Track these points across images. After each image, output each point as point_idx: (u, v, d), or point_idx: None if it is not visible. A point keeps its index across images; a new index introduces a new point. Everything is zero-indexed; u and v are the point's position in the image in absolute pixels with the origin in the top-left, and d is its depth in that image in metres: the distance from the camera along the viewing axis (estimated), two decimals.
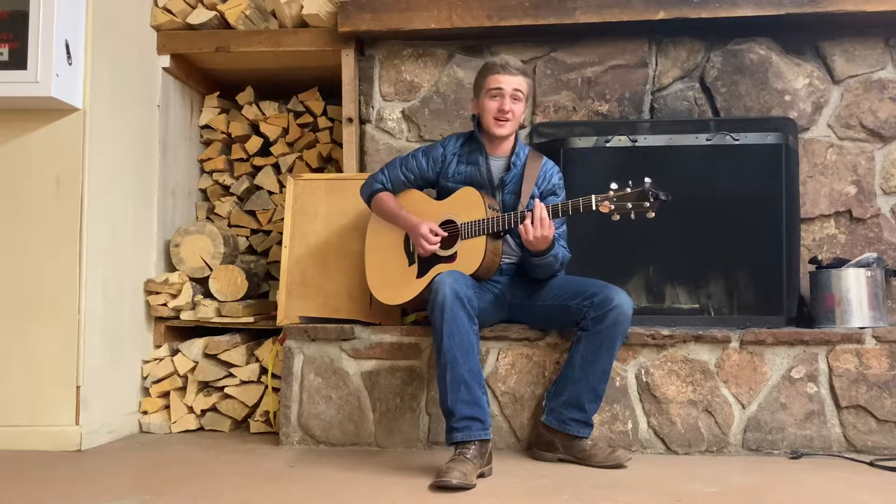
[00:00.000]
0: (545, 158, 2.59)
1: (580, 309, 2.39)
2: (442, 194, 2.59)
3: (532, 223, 2.29)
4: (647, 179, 2.22)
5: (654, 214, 2.22)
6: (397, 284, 2.58)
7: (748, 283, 2.81)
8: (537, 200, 2.35)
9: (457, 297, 2.24)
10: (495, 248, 2.44)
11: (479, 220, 2.42)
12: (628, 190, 2.24)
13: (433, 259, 2.49)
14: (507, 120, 2.46)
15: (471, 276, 2.38)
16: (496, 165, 2.55)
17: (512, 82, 2.44)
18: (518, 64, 2.48)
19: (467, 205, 2.47)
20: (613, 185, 2.25)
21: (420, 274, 2.52)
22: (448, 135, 2.70)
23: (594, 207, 2.26)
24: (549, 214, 2.31)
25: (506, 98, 2.44)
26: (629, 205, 2.23)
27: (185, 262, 3.15)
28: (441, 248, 2.48)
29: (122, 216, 2.94)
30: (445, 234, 2.46)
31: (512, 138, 2.56)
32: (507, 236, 2.52)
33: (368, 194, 2.67)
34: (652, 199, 2.20)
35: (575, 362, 2.39)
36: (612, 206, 2.24)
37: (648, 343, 2.56)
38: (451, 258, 2.46)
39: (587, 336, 2.37)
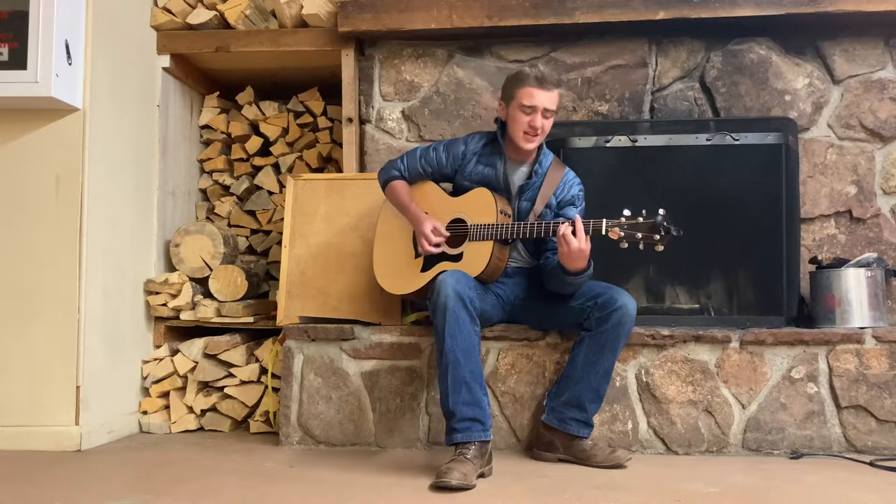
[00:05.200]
0: (568, 169, 2.56)
1: (584, 310, 2.38)
2: (458, 191, 2.58)
3: (565, 239, 2.21)
4: (661, 211, 2.19)
5: (663, 248, 2.18)
6: (402, 275, 2.58)
7: (748, 283, 2.81)
8: (578, 216, 2.27)
9: (459, 298, 2.23)
10: (501, 254, 2.42)
11: (488, 225, 2.40)
12: (640, 220, 2.20)
13: (439, 255, 2.48)
14: (537, 136, 2.42)
15: (474, 278, 2.37)
16: (518, 171, 2.52)
17: (545, 99, 2.38)
18: (552, 77, 2.44)
19: (479, 206, 2.45)
20: (626, 212, 2.22)
21: (425, 268, 2.52)
22: (474, 131, 2.67)
23: (603, 232, 2.22)
24: (551, 232, 2.28)
25: (538, 115, 2.38)
26: (639, 234, 2.19)
27: (185, 262, 3.15)
28: (449, 245, 2.47)
29: (122, 216, 2.94)
30: (448, 234, 2.45)
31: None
32: (517, 242, 2.50)
33: (384, 180, 2.64)
34: (663, 233, 2.17)
35: (577, 362, 2.39)
36: (622, 234, 2.20)
37: (648, 343, 2.56)
38: (458, 258, 2.45)
39: (590, 336, 2.37)
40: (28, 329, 2.64)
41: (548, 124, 2.43)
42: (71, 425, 2.62)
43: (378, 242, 2.70)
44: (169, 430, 3.00)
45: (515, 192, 2.50)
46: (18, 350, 2.64)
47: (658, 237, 2.18)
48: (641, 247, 2.20)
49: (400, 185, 2.60)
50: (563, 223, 2.25)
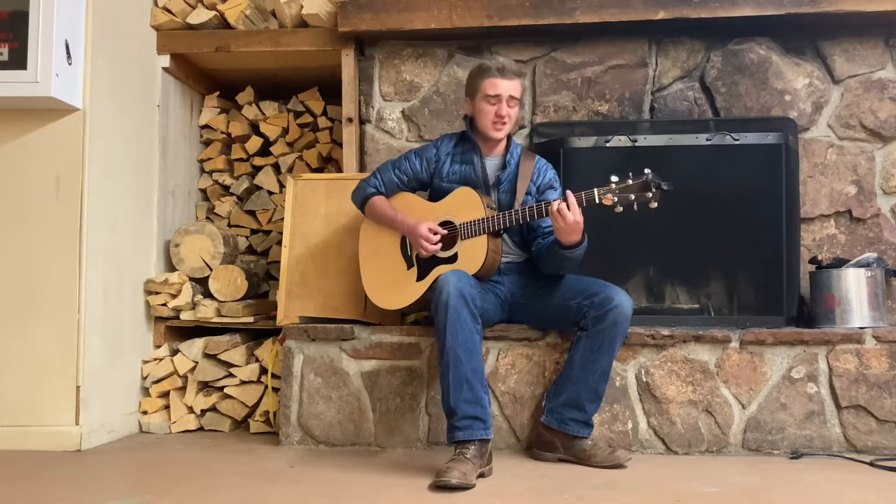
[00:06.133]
0: (538, 157, 2.61)
1: (580, 309, 2.38)
2: (436, 195, 2.59)
3: (560, 213, 2.24)
4: (647, 170, 2.22)
5: (656, 204, 2.22)
6: (397, 289, 2.57)
7: (748, 283, 2.81)
8: (569, 191, 2.29)
9: (461, 296, 2.23)
10: (496, 247, 2.44)
11: (479, 220, 2.41)
12: (629, 182, 2.24)
13: (433, 261, 2.49)
14: (505, 124, 2.48)
15: (473, 275, 2.38)
16: (491, 164, 2.56)
17: (508, 87, 2.45)
18: (513, 66, 2.51)
19: (465, 205, 2.46)
20: (614, 178, 2.25)
21: (420, 277, 2.52)
22: (443, 135, 2.70)
23: (597, 200, 2.25)
24: (544, 212, 2.30)
25: (503, 103, 2.45)
26: (632, 196, 2.22)
27: (185, 262, 3.15)
28: (441, 249, 2.48)
29: (122, 216, 2.94)
30: (445, 231, 2.46)
31: (506, 138, 2.57)
32: (505, 235, 2.52)
33: (361, 199, 2.66)
34: (654, 189, 2.21)
35: (575, 362, 2.39)
36: (615, 199, 2.23)
37: (648, 343, 2.56)
38: (452, 259, 2.46)
39: (587, 336, 2.37)
40: (28, 329, 2.64)
41: (514, 112, 2.49)
42: (71, 425, 2.62)
43: (364, 263, 2.68)
44: (169, 430, 3.00)
45: (493, 183, 2.53)
46: (18, 350, 2.64)
47: (650, 194, 2.22)
48: (636, 207, 2.23)
49: (379, 201, 2.61)
50: (554, 200, 2.28)
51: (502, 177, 2.53)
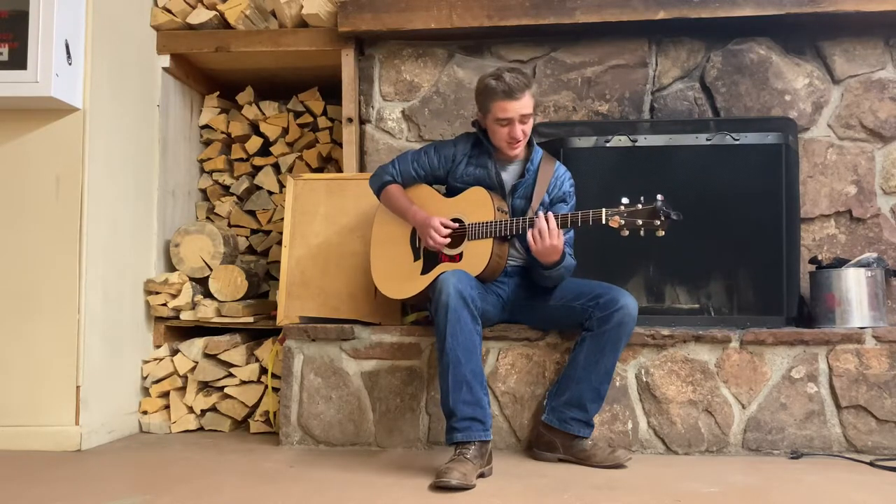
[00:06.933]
0: (558, 163, 2.57)
1: (585, 310, 2.38)
2: (451, 193, 2.58)
3: (540, 234, 2.25)
4: (659, 197, 2.20)
5: (664, 233, 2.19)
6: (401, 279, 2.58)
7: (748, 283, 2.81)
8: (541, 212, 2.31)
9: (461, 297, 2.23)
10: (501, 252, 2.43)
11: (486, 223, 2.41)
12: (639, 206, 2.21)
13: (439, 257, 2.49)
14: (520, 142, 2.42)
15: (475, 277, 2.38)
16: (509, 170, 2.52)
17: (519, 108, 2.35)
18: (520, 82, 2.34)
19: (476, 205, 2.46)
20: (625, 200, 2.23)
21: (425, 270, 2.52)
22: (462, 133, 2.68)
23: (604, 221, 2.24)
24: (557, 224, 2.29)
25: (515, 125, 2.38)
26: (639, 221, 2.20)
27: (185, 261, 3.15)
28: (448, 246, 2.47)
29: (122, 216, 2.94)
30: (456, 225, 2.45)
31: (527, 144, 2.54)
32: (515, 239, 2.51)
33: (378, 185, 2.65)
34: (663, 218, 2.18)
35: (578, 362, 2.39)
36: (623, 222, 2.21)
37: (648, 343, 2.56)
38: (457, 258, 2.46)
39: (592, 336, 2.37)
40: (28, 329, 2.64)
41: (528, 127, 2.42)
42: (71, 425, 2.62)
43: (375, 247, 2.70)
44: (169, 430, 3.00)
45: (508, 190, 2.51)
46: (18, 350, 2.64)
47: (658, 222, 2.19)
48: (642, 233, 2.22)
49: (396, 189, 2.61)
50: (536, 219, 2.29)
51: (519, 184, 2.50)
